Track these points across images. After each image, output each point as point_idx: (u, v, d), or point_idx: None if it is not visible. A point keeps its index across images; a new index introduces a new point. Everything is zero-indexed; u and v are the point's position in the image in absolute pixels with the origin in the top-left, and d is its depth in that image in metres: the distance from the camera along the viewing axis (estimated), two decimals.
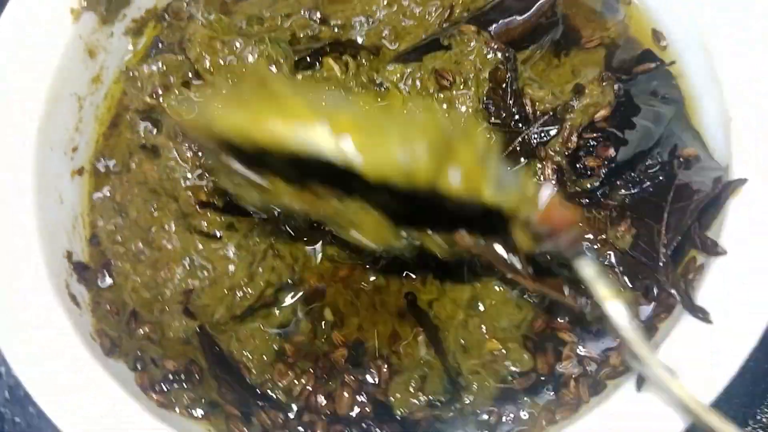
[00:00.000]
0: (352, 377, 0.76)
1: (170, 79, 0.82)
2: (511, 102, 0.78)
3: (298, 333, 0.80)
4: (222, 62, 0.79)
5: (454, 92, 0.79)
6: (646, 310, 0.73)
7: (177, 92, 0.81)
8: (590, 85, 0.77)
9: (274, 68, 0.80)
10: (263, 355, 0.78)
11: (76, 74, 0.86)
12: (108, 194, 0.85)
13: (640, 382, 0.65)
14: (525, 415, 0.73)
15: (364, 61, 0.84)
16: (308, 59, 0.82)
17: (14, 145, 0.78)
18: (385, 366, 0.76)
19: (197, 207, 0.78)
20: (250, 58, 0.79)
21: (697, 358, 0.64)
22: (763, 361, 0.85)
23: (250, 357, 0.78)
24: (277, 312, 0.80)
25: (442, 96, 0.79)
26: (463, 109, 0.78)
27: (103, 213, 0.84)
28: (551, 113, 0.77)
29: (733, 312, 0.65)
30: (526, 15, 0.81)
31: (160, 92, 0.82)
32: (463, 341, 0.76)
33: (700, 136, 0.77)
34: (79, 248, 0.82)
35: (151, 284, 0.79)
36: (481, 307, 0.77)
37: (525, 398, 0.74)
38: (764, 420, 0.86)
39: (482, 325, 0.76)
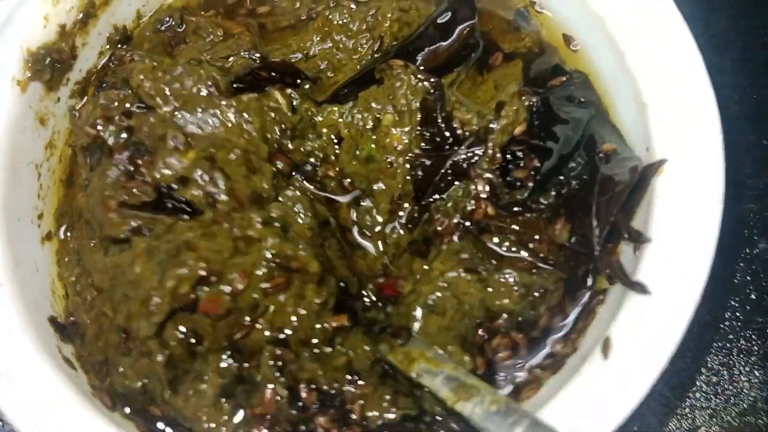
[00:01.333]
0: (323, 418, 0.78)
1: (112, 112, 0.86)
2: (443, 126, 0.85)
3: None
4: (164, 86, 0.84)
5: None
6: (584, 296, 0.82)
7: (118, 119, 0.85)
8: (508, 104, 0.85)
9: (212, 89, 0.85)
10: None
11: (31, 144, 0.89)
12: (70, 246, 0.89)
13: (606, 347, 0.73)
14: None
15: (307, 86, 0.90)
16: (249, 81, 0.88)
17: None
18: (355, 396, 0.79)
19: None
20: (189, 82, 0.85)
21: (643, 330, 0.72)
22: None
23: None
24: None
25: (378, 132, 0.86)
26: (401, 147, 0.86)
27: (67, 266, 0.88)
28: (475, 135, 0.85)
29: (669, 284, 0.73)
30: (449, 41, 0.89)
31: (101, 124, 0.85)
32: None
33: (617, 130, 0.86)
34: (60, 309, 0.86)
35: (98, 330, 0.82)
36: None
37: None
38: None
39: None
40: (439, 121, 0.86)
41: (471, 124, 0.86)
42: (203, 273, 0.74)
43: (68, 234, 0.89)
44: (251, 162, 0.82)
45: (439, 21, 0.90)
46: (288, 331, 0.76)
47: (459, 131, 0.86)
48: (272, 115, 0.87)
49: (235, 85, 0.88)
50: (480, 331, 0.80)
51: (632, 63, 0.84)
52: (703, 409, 0.95)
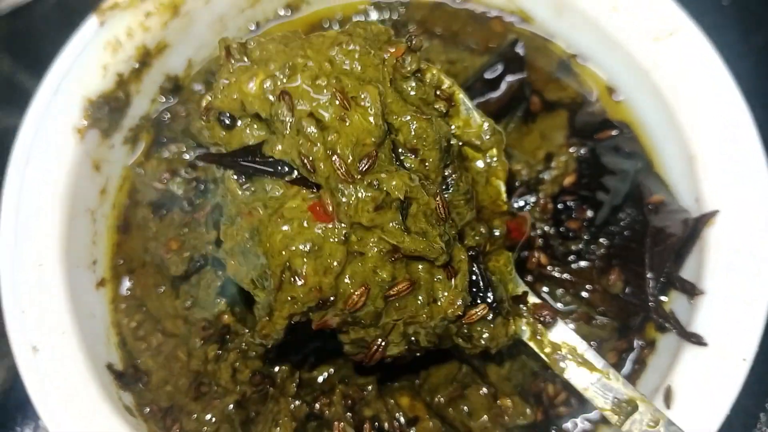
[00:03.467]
0: None
1: (176, 165, 0.91)
2: None
3: None
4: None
5: None
6: (635, 347, 0.84)
7: (184, 172, 0.90)
8: (557, 154, 0.88)
9: None
10: None
11: (86, 189, 0.90)
12: (128, 293, 0.90)
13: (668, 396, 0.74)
14: None
15: None
16: None
17: (44, 267, 0.82)
18: None
19: None
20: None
21: (703, 380, 0.73)
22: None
23: None
24: None
25: None
26: None
27: (125, 312, 0.89)
28: (525, 185, 0.88)
29: (724, 335, 0.75)
30: (499, 93, 0.91)
31: (168, 177, 0.91)
32: (465, 408, 0.81)
33: (664, 182, 0.89)
34: (116, 357, 0.86)
35: (169, 377, 0.84)
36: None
37: None
38: None
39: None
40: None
41: (521, 175, 0.89)
42: None
43: (131, 281, 0.90)
44: None
45: (486, 76, 0.92)
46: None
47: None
48: None
49: None
50: (537, 381, 0.81)
51: (679, 114, 0.86)
52: None
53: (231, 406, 0.78)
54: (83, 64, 0.90)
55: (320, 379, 0.82)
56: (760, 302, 0.74)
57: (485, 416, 0.78)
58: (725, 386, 0.72)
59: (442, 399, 0.81)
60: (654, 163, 0.91)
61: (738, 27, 1.21)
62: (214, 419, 0.78)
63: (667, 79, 0.88)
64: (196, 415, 0.79)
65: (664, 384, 0.74)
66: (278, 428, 0.75)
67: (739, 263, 0.77)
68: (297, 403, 0.77)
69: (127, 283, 0.90)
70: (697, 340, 0.76)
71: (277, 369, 0.81)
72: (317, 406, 0.78)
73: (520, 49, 0.93)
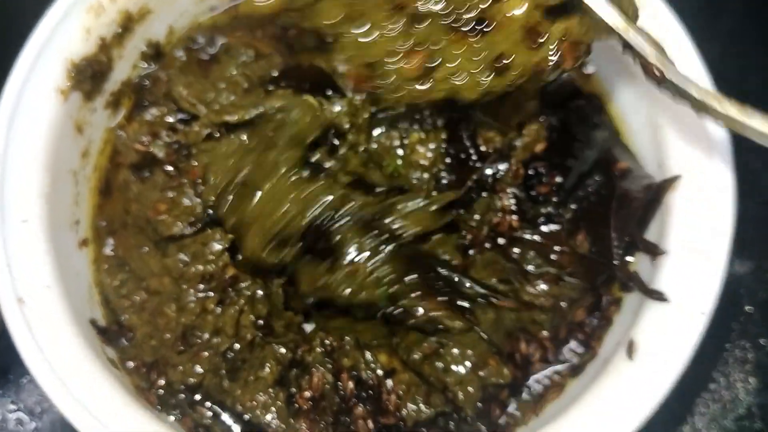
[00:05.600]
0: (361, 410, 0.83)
1: (157, 128, 0.93)
2: (468, 144, 0.91)
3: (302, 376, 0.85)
4: (204, 94, 0.92)
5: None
6: (602, 305, 0.88)
7: (165, 134, 0.92)
8: (528, 123, 0.91)
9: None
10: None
11: (69, 151, 0.92)
12: (111, 253, 0.92)
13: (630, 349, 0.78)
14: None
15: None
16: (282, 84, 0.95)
17: (29, 223, 0.83)
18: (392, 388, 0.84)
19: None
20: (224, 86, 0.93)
21: (664, 334, 0.78)
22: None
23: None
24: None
25: (405, 149, 0.92)
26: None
27: (108, 272, 0.91)
28: (498, 152, 0.91)
29: (684, 291, 0.79)
30: None
31: (149, 140, 0.93)
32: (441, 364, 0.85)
33: (630, 150, 0.93)
34: (99, 314, 0.88)
35: (154, 332, 0.86)
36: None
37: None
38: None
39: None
40: (465, 139, 0.91)
41: (494, 141, 0.92)
42: None
43: (113, 242, 0.92)
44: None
45: None
46: None
47: (483, 148, 0.92)
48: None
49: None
50: (512, 340, 0.85)
51: (646, 88, 0.88)
52: (702, 414, 1.01)
53: (221, 354, 0.80)
54: (67, 27, 0.91)
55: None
56: (718, 260, 0.79)
57: (462, 369, 0.82)
58: (685, 338, 0.76)
59: (417, 356, 0.85)
60: (621, 132, 0.95)
61: (705, 12, 1.26)
62: (200, 370, 0.81)
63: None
64: (182, 367, 0.81)
65: (627, 338, 0.79)
66: (266, 370, 0.78)
67: (698, 223, 0.81)
68: (282, 350, 0.81)
69: (109, 244, 0.92)
70: (658, 296, 0.80)
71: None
72: (299, 352, 0.82)
73: None
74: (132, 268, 0.88)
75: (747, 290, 1.07)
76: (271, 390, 0.80)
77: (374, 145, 0.93)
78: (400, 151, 0.93)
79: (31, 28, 0.90)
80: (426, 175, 0.92)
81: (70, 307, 0.81)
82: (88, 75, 0.92)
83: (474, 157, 0.92)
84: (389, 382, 0.83)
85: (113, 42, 0.96)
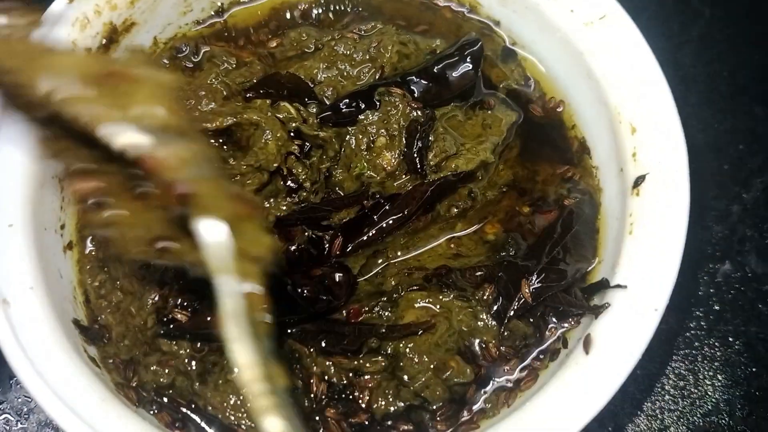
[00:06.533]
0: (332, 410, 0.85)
1: None
2: (414, 154, 0.94)
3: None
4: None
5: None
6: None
7: None
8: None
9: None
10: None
11: None
12: (93, 254, 0.96)
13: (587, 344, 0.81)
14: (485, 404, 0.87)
15: (312, 109, 0.98)
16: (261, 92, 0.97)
17: (15, 227, 0.87)
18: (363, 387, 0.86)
19: None
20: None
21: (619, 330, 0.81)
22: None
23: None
24: None
25: (371, 152, 0.95)
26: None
27: (89, 273, 0.94)
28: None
29: (642, 291, 0.82)
30: (450, 82, 0.97)
31: None
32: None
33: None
34: (81, 314, 0.92)
35: (126, 332, 0.90)
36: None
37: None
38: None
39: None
40: (414, 149, 0.94)
41: (447, 152, 0.95)
42: None
43: (93, 244, 0.96)
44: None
45: (441, 64, 0.98)
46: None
47: (429, 162, 0.95)
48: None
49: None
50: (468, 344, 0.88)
51: (609, 94, 0.93)
52: (672, 411, 1.04)
53: (186, 362, 0.84)
54: (53, 40, 0.95)
55: None
56: (671, 258, 0.82)
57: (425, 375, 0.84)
58: (638, 335, 0.79)
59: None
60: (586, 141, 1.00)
61: (677, 18, 1.30)
62: (170, 372, 0.85)
63: (598, 60, 0.95)
64: (153, 368, 0.85)
65: (585, 333, 0.82)
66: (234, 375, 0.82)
67: (654, 233, 0.84)
68: None
69: (89, 246, 0.96)
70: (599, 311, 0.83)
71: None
72: None
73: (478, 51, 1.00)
74: (109, 269, 0.92)
75: (717, 289, 1.10)
76: (241, 392, 0.82)
77: (344, 150, 0.96)
78: (367, 155, 0.96)
79: None
80: (389, 180, 0.95)
81: (54, 308, 0.84)
82: None
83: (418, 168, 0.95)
84: (362, 378, 0.86)
85: (98, 53, 0.99)
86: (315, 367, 0.85)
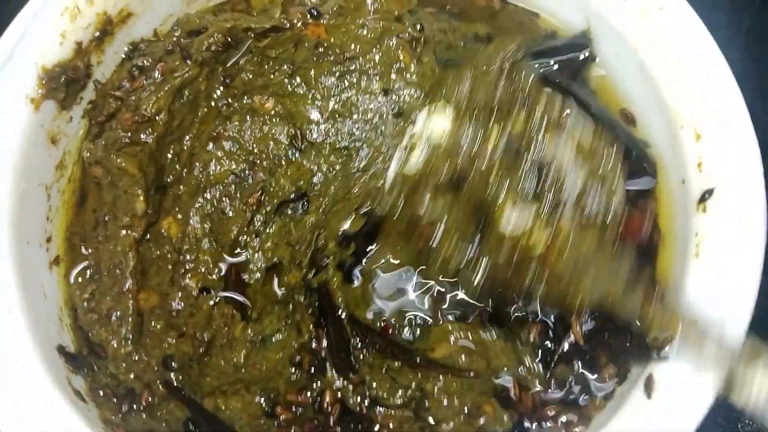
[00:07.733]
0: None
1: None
2: None
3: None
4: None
5: None
6: None
7: None
8: None
9: None
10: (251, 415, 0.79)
11: (42, 164, 0.86)
12: (85, 263, 0.86)
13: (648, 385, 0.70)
14: None
15: None
16: None
17: None
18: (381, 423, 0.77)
19: None
20: None
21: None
22: None
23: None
24: None
25: None
26: None
27: (78, 286, 0.85)
28: None
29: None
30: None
31: None
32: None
33: None
34: (68, 339, 0.82)
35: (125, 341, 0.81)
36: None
37: None
38: None
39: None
40: None
41: None
42: None
43: (86, 250, 0.86)
44: None
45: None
46: None
47: None
48: None
49: None
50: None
51: (665, 91, 0.83)
52: None
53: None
54: (38, 31, 0.85)
55: None
56: (746, 287, 0.70)
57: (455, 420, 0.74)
58: (708, 377, 0.68)
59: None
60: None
61: (725, 9, 1.18)
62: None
63: (653, 54, 0.84)
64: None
65: (646, 372, 0.70)
66: None
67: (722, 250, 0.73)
68: None
69: (82, 256, 0.86)
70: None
71: None
72: None
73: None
74: (101, 277, 0.83)
75: None
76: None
77: None
78: None
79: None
80: None
81: (35, 333, 0.75)
82: (62, 82, 0.86)
83: None
84: (379, 410, 0.76)
85: (91, 46, 0.89)
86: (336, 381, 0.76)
